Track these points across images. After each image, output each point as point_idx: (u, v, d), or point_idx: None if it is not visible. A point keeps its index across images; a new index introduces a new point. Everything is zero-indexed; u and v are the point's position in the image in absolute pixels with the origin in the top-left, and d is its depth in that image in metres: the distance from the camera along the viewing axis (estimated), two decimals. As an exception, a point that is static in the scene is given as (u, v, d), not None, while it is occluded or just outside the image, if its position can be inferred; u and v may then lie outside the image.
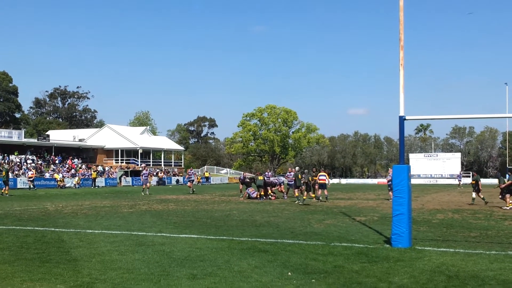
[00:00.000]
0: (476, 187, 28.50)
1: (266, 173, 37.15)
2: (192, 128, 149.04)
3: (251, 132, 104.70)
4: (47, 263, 9.97)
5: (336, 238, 13.57)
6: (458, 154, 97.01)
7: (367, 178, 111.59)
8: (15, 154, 65.77)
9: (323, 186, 30.35)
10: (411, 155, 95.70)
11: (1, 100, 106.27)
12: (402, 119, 12.86)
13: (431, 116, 17.16)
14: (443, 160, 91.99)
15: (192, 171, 48.48)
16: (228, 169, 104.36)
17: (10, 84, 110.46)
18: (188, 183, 44.55)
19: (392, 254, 11.14)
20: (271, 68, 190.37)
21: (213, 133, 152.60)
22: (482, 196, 28.25)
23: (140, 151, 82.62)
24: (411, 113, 13.37)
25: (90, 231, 15.15)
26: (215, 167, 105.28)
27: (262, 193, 32.50)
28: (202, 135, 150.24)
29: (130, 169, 74.79)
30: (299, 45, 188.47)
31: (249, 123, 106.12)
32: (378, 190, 48.95)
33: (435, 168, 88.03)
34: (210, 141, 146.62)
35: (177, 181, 75.65)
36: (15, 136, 69.65)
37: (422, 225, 17.08)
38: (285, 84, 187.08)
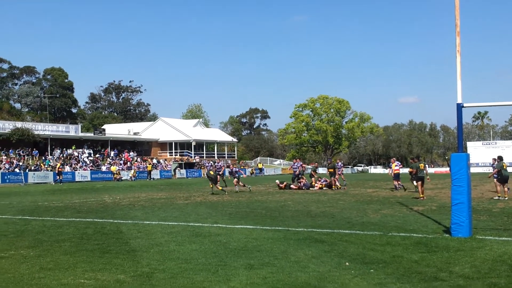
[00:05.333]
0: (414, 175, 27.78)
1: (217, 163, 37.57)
2: (245, 120, 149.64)
3: (303, 123, 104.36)
4: (107, 254, 10.16)
5: (393, 228, 13.35)
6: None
7: (430, 167, 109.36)
8: (73, 148, 67.41)
9: (397, 176, 30.94)
10: (468, 143, 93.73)
11: (58, 96, 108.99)
12: (460, 107, 12.52)
13: (489, 103, 16.53)
14: (502, 148, 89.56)
15: (220, 163, 42.59)
16: (281, 160, 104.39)
17: (66, 80, 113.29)
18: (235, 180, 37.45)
19: (452, 243, 10.89)
20: (321, 58, 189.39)
21: (265, 124, 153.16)
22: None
23: (193, 143, 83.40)
24: (467, 100, 12.95)
25: (148, 222, 15.37)
26: (268, 158, 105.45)
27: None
28: (254, 126, 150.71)
29: (184, 162, 75.67)
30: (346, 34, 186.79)
31: (302, 113, 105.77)
32: (436, 179, 48.00)
33: (494, 156, 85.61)
34: (263, 132, 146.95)
35: (230, 172, 76.04)
36: (72, 130, 71.42)
37: (482, 214, 16.64)
38: (335, 74, 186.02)
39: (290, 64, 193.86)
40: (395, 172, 31.20)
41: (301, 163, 36.76)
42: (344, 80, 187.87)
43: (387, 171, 34.43)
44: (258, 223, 14.81)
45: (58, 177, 51.19)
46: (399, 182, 30.58)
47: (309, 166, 51.84)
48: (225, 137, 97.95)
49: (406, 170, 30.57)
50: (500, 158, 24.06)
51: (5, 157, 56.48)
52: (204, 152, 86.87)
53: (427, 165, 30.76)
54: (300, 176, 34.84)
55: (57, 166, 52.94)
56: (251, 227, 13.80)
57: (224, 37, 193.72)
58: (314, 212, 17.80)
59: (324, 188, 32.63)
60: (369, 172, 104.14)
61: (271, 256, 9.71)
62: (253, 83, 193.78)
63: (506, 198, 22.79)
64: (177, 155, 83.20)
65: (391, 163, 32.89)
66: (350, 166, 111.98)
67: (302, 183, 32.93)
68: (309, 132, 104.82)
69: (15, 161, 55.61)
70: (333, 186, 32.05)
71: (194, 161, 77.20)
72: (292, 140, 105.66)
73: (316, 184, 33.17)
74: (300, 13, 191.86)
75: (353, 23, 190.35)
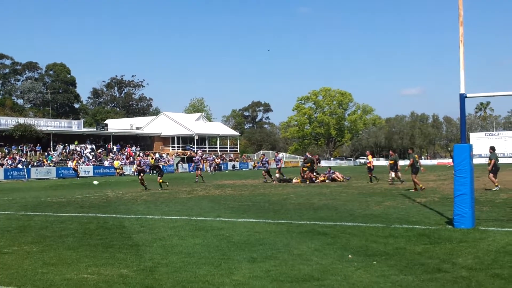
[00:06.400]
0: (394, 166, 29.02)
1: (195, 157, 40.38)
2: (247, 113, 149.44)
3: (306, 116, 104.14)
4: (110, 249, 10.18)
5: (396, 220, 13.35)
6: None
7: (427, 159, 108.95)
8: (75, 143, 67.37)
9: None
10: (471, 134, 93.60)
11: (60, 91, 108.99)
12: (463, 97, 12.48)
13: (492, 93, 16.41)
14: (505, 138, 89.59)
15: (197, 157, 41.95)
16: (284, 153, 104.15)
17: (68, 75, 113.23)
18: (197, 171, 37.97)
19: (454, 235, 10.88)
20: (323, 50, 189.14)
21: (268, 117, 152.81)
22: (399, 176, 28.65)
23: (195, 137, 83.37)
24: (470, 91, 12.88)
25: (150, 216, 15.39)
26: (270, 151, 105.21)
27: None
28: (257, 120, 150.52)
29: (187, 156, 75.68)
30: (348, 26, 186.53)
31: (304, 106, 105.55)
32: (438, 170, 47.97)
33: (497, 147, 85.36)
34: (265, 125, 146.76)
35: (233, 166, 76.07)
36: (75, 126, 71.32)
37: (485, 205, 16.63)
38: (337, 66, 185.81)
39: (292, 56, 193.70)
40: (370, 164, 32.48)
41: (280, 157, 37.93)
42: (346, 72, 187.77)
43: (387, 163, 34.93)
44: (261, 216, 14.82)
45: (77, 173, 52.33)
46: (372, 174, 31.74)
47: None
48: (227, 130, 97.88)
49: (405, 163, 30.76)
50: (492, 149, 23.95)
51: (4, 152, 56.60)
52: (207, 146, 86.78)
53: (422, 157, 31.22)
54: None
55: (74, 164, 53.60)
56: (254, 221, 13.82)
57: (226, 30, 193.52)
58: (316, 205, 17.80)
59: (326, 181, 32.63)
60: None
61: (274, 249, 9.72)
62: (255, 77, 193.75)
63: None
64: (179, 149, 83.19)
65: (367, 155, 34.00)
66: (352, 159, 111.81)
67: (306, 178, 32.85)
68: (312, 125, 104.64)
69: (17, 157, 55.67)
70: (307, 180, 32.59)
71: (197, 155, 77.16)
72: (294, 133, 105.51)
73: (318, 177, 33.11)
74: (304, 5, 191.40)
75: (355, 15, 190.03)
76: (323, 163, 75.55)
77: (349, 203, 18.39)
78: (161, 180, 28.45)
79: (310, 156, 36.07)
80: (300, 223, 13.19)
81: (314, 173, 33.47)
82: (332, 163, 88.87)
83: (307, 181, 32.23)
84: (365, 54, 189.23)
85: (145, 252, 9.71)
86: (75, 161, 55.48)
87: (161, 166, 29.86)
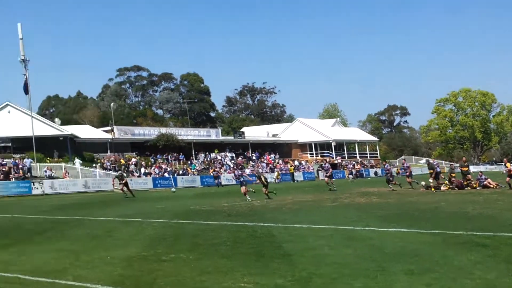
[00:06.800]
0: None
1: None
2: (384, 118, 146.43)
3: (447, 118, 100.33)
4: (262, 258, 10.24)
5: None
6: None
7: None
8: (215, 152, 69.28)
9: None
10: None
11: (196, 100, 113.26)
12: None
13: None
14: None
15: (327, 164, 41.76)
16: (427, 159, 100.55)
17: (202, 85, 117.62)
18: (326, 179, 38.41)
19: None
20: (458, 49, 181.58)
21: (406, 121, 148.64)
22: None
23: (333, 143, 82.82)
24: None
25: (298, 225, 15.33)
26: (413, 157, 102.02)
27: None
28: (394, 124, 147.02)
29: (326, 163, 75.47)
30: (485, 24, 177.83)
31: (444, 108, 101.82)
32: None
33: None
34: (404, 130, 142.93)
35: (376, 173, 74.64)
36: (213, 134, 73.55)
37: None
38: (475, 65, 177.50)
39: (427, 56, 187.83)
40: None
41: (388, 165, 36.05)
42: (485, 72, 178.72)
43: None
44: (412, 225, 14.27)
45: (216, 180, 54.14)
46: None
47: (457, 164, 49.92)
48: (365, 136, 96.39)
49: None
50: None
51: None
52: (346, 152, 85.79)
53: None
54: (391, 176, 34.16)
55: (211, 171, 56.01)
56: (405, 230, 13.34)
57: (354, 30, 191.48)
58: (471, 214, 16.87)
59: (477, 188, 30.86)
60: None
61: (431, 261, 9.29)
62: (389, 79, 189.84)
63: None
64: (317, 156, 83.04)
65: (504, 163, 31.75)
66: (503, 163, 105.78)
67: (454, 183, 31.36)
68: (454, 128, 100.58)
69: (163, 166, 58.28)
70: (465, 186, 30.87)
71: (336, 161, 76.62)
72: (436, 137, 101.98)
73: (471, 183, 31.42)
74: (435, 5, 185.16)
75: (492, 10, 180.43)
76: (472, 168, 71.88)
77: (507, 211, 17.22)
78: (249, 189, 28.24)
79: (433, 162, 34.42)
80: (455, 233, 12.51)
81: (441, 180, 31.87)
82: (481, 168, 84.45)
83: (456, 188, 30.80)
84: (504, 52, 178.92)
85: (297, 262, 9.66)
86: (212, 169, 57.59)
87: (263, 178, 29.39)
